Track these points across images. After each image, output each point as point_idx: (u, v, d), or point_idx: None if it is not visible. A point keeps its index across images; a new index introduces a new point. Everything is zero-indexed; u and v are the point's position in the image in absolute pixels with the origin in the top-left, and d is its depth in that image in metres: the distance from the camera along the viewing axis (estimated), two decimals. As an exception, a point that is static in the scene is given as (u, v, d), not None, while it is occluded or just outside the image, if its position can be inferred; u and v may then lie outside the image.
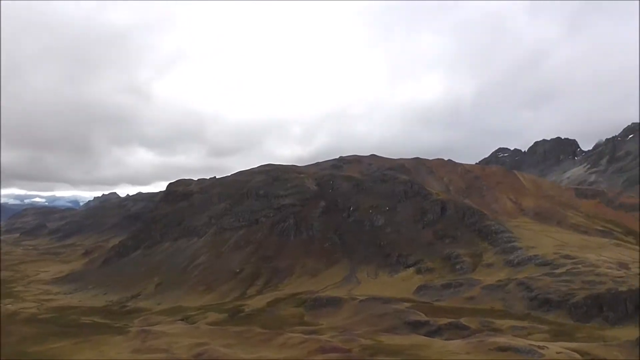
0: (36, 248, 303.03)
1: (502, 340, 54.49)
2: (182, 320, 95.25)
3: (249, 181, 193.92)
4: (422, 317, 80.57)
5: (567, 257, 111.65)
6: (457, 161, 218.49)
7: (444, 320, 77.56)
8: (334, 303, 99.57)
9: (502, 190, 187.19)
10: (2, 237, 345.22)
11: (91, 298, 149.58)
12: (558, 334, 69.92)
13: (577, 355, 48.98)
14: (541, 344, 54.40)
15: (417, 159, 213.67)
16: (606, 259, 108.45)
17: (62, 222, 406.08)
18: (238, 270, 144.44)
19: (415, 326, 77.00)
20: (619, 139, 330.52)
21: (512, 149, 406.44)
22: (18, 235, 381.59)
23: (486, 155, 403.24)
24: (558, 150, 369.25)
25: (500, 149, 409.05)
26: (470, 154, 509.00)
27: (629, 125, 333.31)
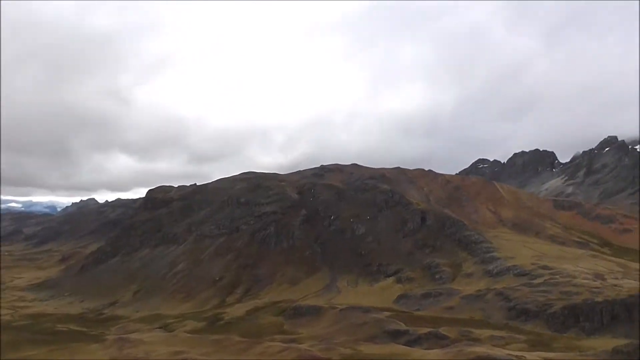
0: (12, 254, 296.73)
1: (480, 349, 54.88)
2: (160, 328, 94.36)
3: (230, 188, 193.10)
4: (402, 327, 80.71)
5: (545, 267, 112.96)
6: (437, 171, 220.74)
7: (423, 330, 77.80)
8: (314, 312, 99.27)
9: (481, 201, 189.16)
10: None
11: (67, 305, 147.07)
12: (536, 344, 70.60)
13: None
14: (519, 353, 54.97)
15: (398, 168, 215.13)
16: (583, 270, 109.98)
17: (39, 227, 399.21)
18: (218, 278, 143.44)
19: (394, 335, 77.07)
20: (595, 151, 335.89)
21: (491, 160, 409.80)
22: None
23: (466, 166, 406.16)
24: (536, 162, 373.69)
25: (480, 159, 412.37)
26: (451, 164, 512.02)
27: (605, 139, 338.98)
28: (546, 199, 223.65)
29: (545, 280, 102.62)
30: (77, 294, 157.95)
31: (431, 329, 78.15)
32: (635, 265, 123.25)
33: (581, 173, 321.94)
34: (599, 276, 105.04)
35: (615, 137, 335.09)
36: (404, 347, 65.17)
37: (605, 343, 66.21)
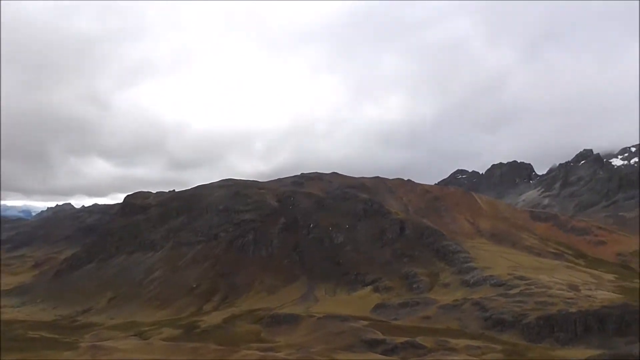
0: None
1: (457, 359, 55.20)
2: (135, 335, 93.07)
3: (209, 195, 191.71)
4: (379, 336, 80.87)
5: (521, 278, 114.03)
6: (416, 181, 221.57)
7: (400, 339, 78.03)
8: (292, 320, 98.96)
9: (460, 211, 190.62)
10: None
11: (40, 312, 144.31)
12: (511, 354, 71.29)
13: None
14: (494, 363, 55.36)
15: (377, 178, 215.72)
16: (558, 281, 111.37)
17: (13, 232, 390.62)
18: (195, 286, 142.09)
19: (371, 345, 77.18)
20: (571, 164, 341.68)
21: (470, 171, 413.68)
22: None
23: (445, 177, 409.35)
24: (514, 174, 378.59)
25: (458, 170, 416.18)
26: (430, 174, 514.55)
27: (581, 152, 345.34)
28: (523, 210, 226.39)
29: (521, 290, 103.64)
30: (50, 300, 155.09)
31: (408, 339, 78.41)
32: (608, 276, 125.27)
33: (557, 185, 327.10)
34: (573, 287, 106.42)
35: (591, 150, 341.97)
36: (381, 356, 65.33)
37: (579, 353, 67.18)
